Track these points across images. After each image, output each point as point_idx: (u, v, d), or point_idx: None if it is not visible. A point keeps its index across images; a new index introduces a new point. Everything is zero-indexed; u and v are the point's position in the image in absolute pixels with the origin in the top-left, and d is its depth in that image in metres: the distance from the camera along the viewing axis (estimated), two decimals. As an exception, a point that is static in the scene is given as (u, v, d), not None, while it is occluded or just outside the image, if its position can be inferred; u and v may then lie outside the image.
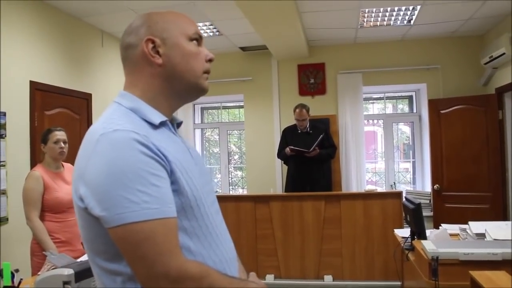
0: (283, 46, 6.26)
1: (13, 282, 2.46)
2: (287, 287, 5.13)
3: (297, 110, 5.61)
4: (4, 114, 4.03)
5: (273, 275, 5.29)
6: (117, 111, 1.19)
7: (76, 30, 5.16)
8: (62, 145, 3.36)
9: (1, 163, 3.97)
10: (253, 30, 5.47)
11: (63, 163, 3.47)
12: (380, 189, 7.08)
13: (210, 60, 1.32)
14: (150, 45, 1.23)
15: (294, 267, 5.28)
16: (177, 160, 1.14)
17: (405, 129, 7.46)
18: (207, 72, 1.31)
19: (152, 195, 1.04)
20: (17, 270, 2.52)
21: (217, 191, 7.73)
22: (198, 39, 1.30)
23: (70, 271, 2.23)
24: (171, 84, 1.25)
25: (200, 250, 1.16)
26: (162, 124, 1.22)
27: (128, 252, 1.04)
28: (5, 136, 4.03)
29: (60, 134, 3.38)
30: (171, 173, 1.11)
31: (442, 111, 6.29)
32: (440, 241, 2.97)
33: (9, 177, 4.05)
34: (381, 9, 5.28)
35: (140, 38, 1.24)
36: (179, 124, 1.38)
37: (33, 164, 4.24)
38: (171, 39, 1.25)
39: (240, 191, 7.76)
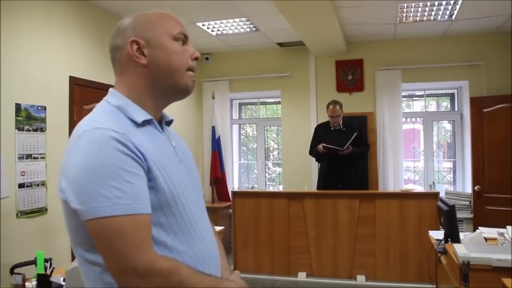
0: (320, 42, 6.20)
1: (46, 270, 2.54)
2: (319, 285, 5.10)
3: (331, 107, 5.56)
4: (45, 108, 4.17)
5: (305, 273, 5.26)
6: (103, 109, 1.25)
7: (113, 26, 5.22)
8: None
9: (41, 155, 4.11)
10: (290, 26, 5.44)
11: None
12: (420, 188, 6.92)
13: (196, 59, 1.35)
14: (135, 46, 1.28)
15: (326, 266, 5.24)
16: (155, 158, 1.18)
17: (449, 127, 7.25)
18: (191, 70, 1.33)
19: (125, 191, 1.08)
20: (50, 259, 2.60)
21: (253, 187, 7.75)
22: (183, 39, 1.33)
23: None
24: (156, 84, 1.29)
25: (176, 246, 1.19)
26: (146, 122, 1.25)
27: (100, 245, 1.10)
28: (45, 129, 4.17)
29: None
30: (148, 171, 1.15)
31: (484, 110, 6.07)
32: (473, 245, 2.88)
33: (48, 170, 4.19)
34: (421, 4, 5.14)
35: (126, 39, 1.30)
36: (169, 122, 1.41)
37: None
38: (154, 39, 1.29)
39: (278, 188, 7.76)
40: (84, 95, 4.72)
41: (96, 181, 1.07)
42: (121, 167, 1.09)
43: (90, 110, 4.33)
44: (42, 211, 4.11)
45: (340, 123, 5.61)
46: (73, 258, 4.04)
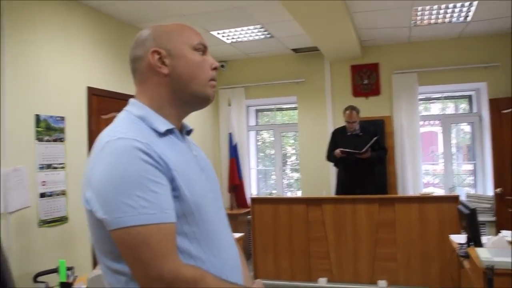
0: (335, 47, 6.19)
1: (68, 278, 2.57)
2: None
3: (347, 112, 5.54)
4: (63, 119, 4.22)
5: (325, 279, 5.23)
6: (125, 119, 1.26)
7: (130, 36, 5.25)
8: None
9: (61, 165, 4.16)
10: (304, 32, 5.44)
11: None
12: (440, 192, 6.84)
13: (215, 69, 1.36)
14: (156, 56, 1.29)
15: (347, 271, 5.20)
16: (179, 167, 1.18)
17: (467, 129, 7.16)
18: (213, 79, 1.35)
19: (150, 200, 1.09)
20: (72, 268, 2.63)
21: (271, 193, 7.75)
22: (202, 49, 1.34)
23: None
24: (177, 93, 1.30)
25: (200, 254, 1.20)
26: (169, 132, 1.26)
27: (126, 254, 1.10)
28: (64, 139, 4.23)
29: None
30: (171, 180, 1.15)
31: (503, 111, 5.99)
32: (497, 249, 2.83)
33: (68, 179, 4.24)
34: (435, 7, 5.10)
35: (146, 50, 1.31)
36: (189, 132, 1.42)
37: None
38: (175, 49, 1.30)
39: (296, 193, 7.73)
40: (101, 105, 4.78)
41: (121, 191, 1.08)
42: (145, 176, 1.10)
43: (107, 120, 4.37)
44: (62, 220, 4.16)
45: (357, 128, 5.58)
46: (94, 266, 4.07)
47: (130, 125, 1.22)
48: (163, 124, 1.25)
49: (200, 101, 1.34)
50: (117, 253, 1.13)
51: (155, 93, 1.30)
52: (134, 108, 1.29)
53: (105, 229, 1.12)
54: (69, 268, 2.60)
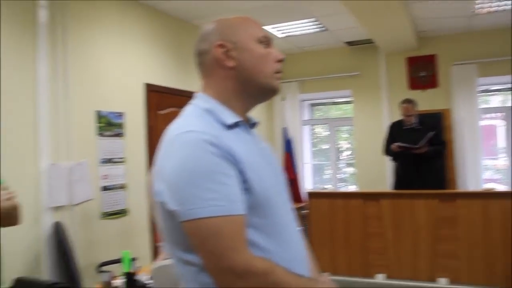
0: (390, 39, 6.04)
1: (132, 269, 2.63)
2: (398, 287, 4.94)
3: (403, 105, 5.39)
4: (123, 114, 4.34)
5: (383, 275, 5.12)
6: (193, 112, 1.27)
7: (185, 32, 5.40)
8: None
9: (121, 159, 4.28)
10: (358, 24, 5.35)
11: None
12: (503, 187, 6.56)
13: (280, 61, 1.35)
14: (222, 50, 1.29)
15: (405, 267, 5.06)
16: (247, 159, 1.17)
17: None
18: (278, 72, 1.33)
19: (220, 193, 1.09)
20: (135, 259, 2.69)
21: (326, 188, 7.68)
22: (267, 41, 1.34)
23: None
24: (243, 86, 1.30)
25: (269, 247, 1.18)
26: (236, 124, 1.25)
27: (198, 245, 1.11)
28: (124, 135, 4.34)
29: None
30: (241, 172, 1.15)
31: None
32: None
33: (128, 173, 4.36)
34: (497, -6, 4.89)
35: (212, 43, 1.30)
36: (254, 124, 1.40)
37: (150, 160, 4.54)
38: (240, 42, 1.29)
39: (351, 188, 7.63)
40: (159, 101, 4.88)
41: (192, 183, 1.09)
42: (215, 169, 1.10)
43: (164, 115, 4.46)
44: (123, 212, 4.28)
45: (414, 122, 5.42)
46: (154, 257, 4.16)
47: (198, 118, 1.23)
48: (230, 117, 1.25)
49: (266, 93, 1.34)
50: (187, 244, 1.14)
51: (221, 86, 1.30)
52: (201, 101, 1.30)
53: (175, 221, 1.13)
54: (132, 259, 2.66)
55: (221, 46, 1.29)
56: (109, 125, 4.17)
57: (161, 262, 2.49)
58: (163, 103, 4.94)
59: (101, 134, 4.08)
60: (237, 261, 1.08)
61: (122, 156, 4.30)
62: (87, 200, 3.85)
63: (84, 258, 3.75)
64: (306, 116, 7.89)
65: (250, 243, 1.14)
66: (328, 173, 7.81)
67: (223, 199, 1.09)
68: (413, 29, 5.88)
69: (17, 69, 3.47)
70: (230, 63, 1.28)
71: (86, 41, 4.04)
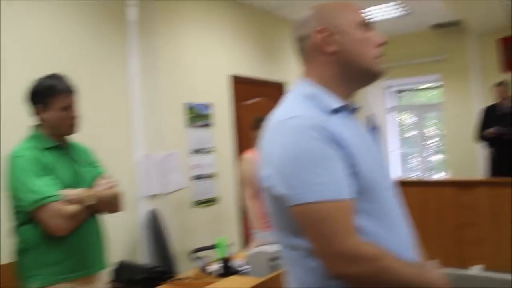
0: (481, 19, 5.70)
1: (227, 255, 2.71)
2: (497, 279, 4.71)
3: (497, 88, 5.09)
4: (210, 106, 4.47)
5: (479, 266, 4.90)
6: (295, 98, 1.26)
7: (268, 23, 5.44)
8: None
9: (210, 149, 4.42)
10: (444, 6, 5.10)
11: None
12: None
13: (381, 44, 1.32)
14: (322, 35, 1.27)
15: (504, 259, 4.80)
16: (353, 144, 1.16)
17: None
18: (380, 56, 1.31)
19: (329, 177, 1.09)
20: (229, 245, 2.77)
21: (412, 176, 7.46)
22: (367, 25, 1.31)
23: (275, 249, 2.37)
24: (345, 71, 1.28)
25: (378, 232, 1.16)
26: (339, 109, 1.24)
27: (307, 230, 1.11)
28: (212, 125, 4.47)
29: None
30: (348, 157, 1.13)
31: None
32: None
33: (217, 162, 4.49)
34: None
35: (312, 29, 1.29)
36: (356, 110, 1.37)
37: (237, 149, 4.64)
38: (341, 27, 1.27)
39: (440, 176, 7.34)
40: (244, 91, 4.96)
41: (301, 168, 1.10)
42: (322, 153, 1.10)
43: (250, 106, 4.50)
44: (213, 200, 4.42)
45: (510, 105, 5.11)
46: (244, 244, 4.27)
47: (301, 104, 1.23)
48: (333, 102, 1.24)
49: (369, 77, 1.32)
50: (294, 228, 1.15)
51: (322, 72, 1.29)
52: (302, 87, 1.30)
53: (283, 205, 1.14)
54: (227, 245, 2.74)
55: (321, 31, 1.28)
56: (198, 116, 4.31)
57: (256, 248, 2.56)
58: (249, 93, 5.02)
59: (190, 125, 4.23)
60: (348, 245, 1.07)
61: (211, 146, 4.44)
62: (180, 189, 4.01)
63: (178, 244, 3.91)
64: (392, 103, 7.68)
65: (360, 228, 1.13)
66: (414, 161, 7.56)
67: (332, 183, 1.09)
68: (507, 8, 5.52)
69: (110, 66, 3.67)
70: (331, 48, 1.27)
71: (173, 36, 4.19)
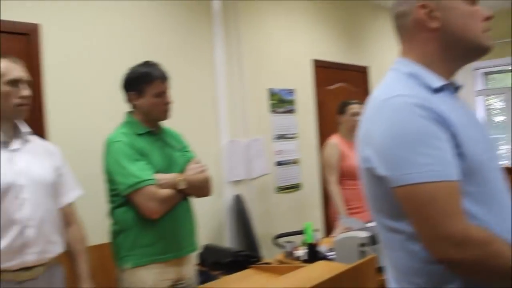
0: None
1: (313, 240, 2.70)
2: None
3: None
4: (293, 91, 4.45)
5: None
6: (396, 77, 1.21)
7: (351, 6, 5.31)
8: (359, 118, 3.49)
9: (293, 135, 4.41)
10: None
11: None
12: None
13: (488, 18, 1.22)
14: (424, 10, 1.20)
15: None
16: (458, 123, 1.09)
17: None
18: (487, 30, 1.21)
19: (434, 157, 1.04)
20: (316, 230, 2.75)
21: (501, 164, 7.01)
22: None
23: (366, 234, 2.32)
24: (449, 47, 1.21)
25: (485, 217, 1.09)
26: (442, 88, 1.17)
27: (412, 212, 1.06)
28: (295, 111, 4.45)
29: (357, 107, 3.52)
30: (453, 137, 1.08)
31: None
32: None
33: (300, 148, 4.48)
34: None
35: (413, 5, 1.23)
36: (458, 88, 1.30)
37: (320, 135, 4.60)
38: (444, 1, 1.20)
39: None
40: (327, 76, 4.89)
41: (405, 148, 1.05)
42: (427, 133, 1.06)
43: (333, 90, 4.41)
44: (296, 187, 4.42)
45: None
46: (326, 230, 4.23)
47: (403, 83, 1.18)
48: (436, 80, 1.18)
49: (476, 53, 1.24)
50: (394, 211, 1.11)
51: (423, 49, 1.23)
52: (402, 66, 1.24)
53: (383, 187, 1.11)
54: (314, 231, 2.72)
55: (423, 6, 1.21)
56: (281, 102, 4.32)
57: (344, 234, 2.52)
58: (331, 78, 4.94)
59: (274, 111, 4.25)
60: (455, 228, 1.02)
61: (294, 132, 4.43)
62: (264, 175, 4.04)
63: (261, 229, 3.95)
64: (479, 86, 7.23)
65: (466, 212, 1.07)
66: (504, 148, 7.09)
67: (439, 164, 1.04)
68: None
69: (196, 55, 3.76)
70: (434, 24, 1.20)
71: (256, 23, 4.21)
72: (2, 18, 2.69)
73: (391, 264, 1.20)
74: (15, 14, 2.75)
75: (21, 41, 2.81)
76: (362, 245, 2.31)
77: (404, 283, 1.16)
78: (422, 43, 1.23)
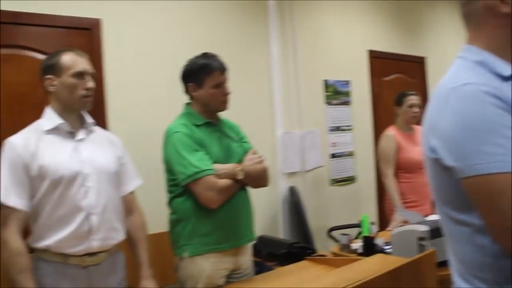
0: None
1: (370, 233, 2.66)
2: None
3: None
4: (348, 82, 4.39)
5: None
6: (464, 65, 1.16)
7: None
8: (416, 109, 3.42)
9: (348, 127, 4.36)
10: None
11: (414, 126, 3.54)
12: None
13: None
14: None
15: None
16: None
17: None
18: None
19: (505, 147, 0.98)
20: (373, 223, 2.71)
21: None
22: None
23: (425, 228, 2.27)
24: None
25: None
26: None
27: (481, 203, 1.02)
28: (350, 103, 4.39)
29: (415, 99, 3.44)
30: None
31: None
32: None
33: (355, 140, 4.42)
34: None
35: None
36: None
37: (375, 127, 4.52)
38: None
39: None
40: (382, 67, 4.79)
41: (475, 138, 1.01)
42: (498, 122, 1.01)
43: (389, 82, 4.31)
44: (351, 179, 4.37)
45: None
46: (380, 224, 4.16)
47: (471, 70, 1.13)
48: (506, 68, 1.12)
49: None
50: (461, 203, 1.08)
51: (493, 36, 1.17)
52: (470, 53, 1.19)
53: (451, 178, 1.07)
54: (371, 223, 2.68)
55: None
56: (336, 93, 4.27)
57: (401, 227, 2.47)
58: (388, 69, 4.84)
59: (329, 103, 4.21)
60: None
61: (349, 124, 4.37)
62: (318, 167, 4.02)
63: (315, 221, 3.93)
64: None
65: None
66: None
67: (510, 154, 0.99)
68: None
69: (252, 47, 3.78)
70: (507, 9, 1.14)
71: (311, 14, 4.17)
72: (65, 14, 2.80)
73: (457, 258, 1.17)
74: (77, 10, 2.86)
75: (83, 35, 2.92)
76: (421, 239, 2.25)
77: (471, 278, 1.12)
78: (492, 29, 1.17)
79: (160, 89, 3.17)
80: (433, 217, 3.14)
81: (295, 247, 2.93)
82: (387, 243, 2.66)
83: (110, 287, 1.97)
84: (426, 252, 2.11)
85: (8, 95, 2.64)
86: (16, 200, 1.78)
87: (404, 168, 3.39)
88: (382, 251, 2.59)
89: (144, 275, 2.07)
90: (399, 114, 3.49)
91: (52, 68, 1.91)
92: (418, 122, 3.57)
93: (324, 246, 3.65)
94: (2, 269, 1.80)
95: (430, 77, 5.29)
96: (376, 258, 2.31)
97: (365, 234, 2.64)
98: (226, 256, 2.22)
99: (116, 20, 3.03)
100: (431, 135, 1.13)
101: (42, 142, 1.86)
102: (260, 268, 2.83)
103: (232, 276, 2.28)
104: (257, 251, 3.06)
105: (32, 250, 1.86)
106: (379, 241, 2.70)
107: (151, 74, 3.17)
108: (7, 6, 2.60)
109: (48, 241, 1.82)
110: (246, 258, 2.37)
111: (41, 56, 2.63)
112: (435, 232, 2.24)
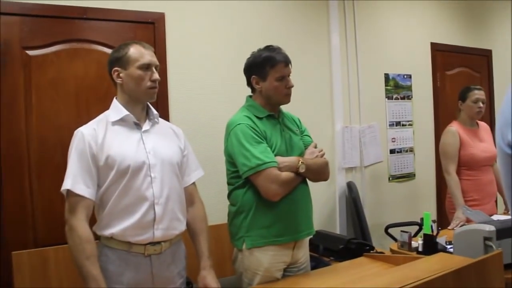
0: None
1: (432, 231, 2.59)
2: None
3: None
4: (410, 76, 4.27)
5: None
6: None
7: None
8: (481, 105, 3.29)
9: (409, 122, 4.25)
10: None
11: (478, 122, 3.41)
12: None
13: None
14: None
15: None
16: None
17: None
18: None
19: None
20: (434, 221, 2.63)
21: None
22: None
23: (492, 228, 2.18)
24: None
25: None
26: None
27: None
28: (411, 97, 4.28)
29: (480, 94, 3.31)
30: None
31: None
32: None
33: (416, 136, 4.30)
34: None
35: None
36: None
37: (436, 123, 4.38)
38: None
39: None
40: (446, 60, 4.63)
41: None
42: None
43: (452, 76, 4.18)
44: (410, 176, 4.26)
45: None
46: (442, 224, 4.03)
47: None
48: None
49: None
50: None
51: None
52: None
53: None
54: (433, 221, 2.61)
55: None
56: (397, 87, 4.17)
57: (465, 226, 2.39)
58: (451, 63, 4.67)
59: (389, 97, 4.12)
60: None
61: (410, 119, 4.26)
62: (377, 162, 3.95)
63: (372, 218, 3.87)
64: None
65: None
66: None
67: None
68: None
69: (314, 41, 3.75)
70: None
71: (373, 7, 4.09)
72: (130, 9, 2.89)
73: None
74: (142, 4, 2.95)
75: (148, 29, 3.00)
76: (488, 239, 2.16)
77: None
78: None
79: (222, 82, 3.21)
80: (498, 217, 3.02)
81: (352, 243, 2.89)
82: (449, 242, 2.58)
83: (171, 275, 2.01)
84: (492, 253, 2.02)
85: (77, 87, 2.75)
86: (83, 188, 1.83)
87: (467, 165, 3.27)
88: (444, 250, 2.52)
89: (204, 265, 2.09)
90: (463, 109, 3.36)
91: (119, 60, 1.95)
92: (483, 118, 3.44)
93: (380, 243, 3.58)
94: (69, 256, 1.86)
95: (496, 71, 5.07)
96: (438, 257, 2.24)
97: (426, 232, 2.57)
98: (285, 249, 2.22)
99: (179, 14, 3.10)
100: (507, 130, 1.09)
101: (109, 132, 1.91)
102: (316, 263, 2.81)
103: (289, 269, 2.28)
104: (313, 246, 3.04)
105: (97, 238, 1.92)
106: (441, 239, 2.62)
107: (213, 67, 3.21)
108: (76, 2, 2.71)
109: (113, 230, 1.87)
110: (304, 252, 2.36)
111: (107, 50, 2.73)
112: (502, 233, 2.16)
